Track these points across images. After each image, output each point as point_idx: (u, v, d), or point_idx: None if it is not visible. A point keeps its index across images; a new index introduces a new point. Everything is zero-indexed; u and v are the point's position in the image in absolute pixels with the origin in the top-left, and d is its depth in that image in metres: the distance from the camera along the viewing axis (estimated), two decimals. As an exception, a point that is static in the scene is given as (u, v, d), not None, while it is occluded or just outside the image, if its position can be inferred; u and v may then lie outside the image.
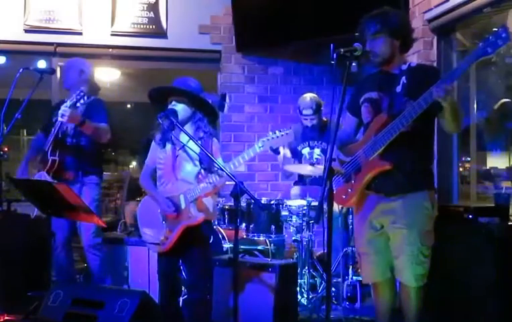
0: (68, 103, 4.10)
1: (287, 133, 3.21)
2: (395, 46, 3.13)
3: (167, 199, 3.39)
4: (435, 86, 2.83)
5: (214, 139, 3.48)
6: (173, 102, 3.42)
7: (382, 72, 3.21)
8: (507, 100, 5.14)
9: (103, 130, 4.29)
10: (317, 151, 5.01)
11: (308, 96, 5.00)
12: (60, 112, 4.05)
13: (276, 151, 3.23)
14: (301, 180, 5.12)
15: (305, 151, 5.04)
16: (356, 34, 3.17)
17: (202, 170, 3.38)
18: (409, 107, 2.96)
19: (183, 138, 3.42)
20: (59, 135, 4.23)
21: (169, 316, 3.49)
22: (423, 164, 3.18)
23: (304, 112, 4.93)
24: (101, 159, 4.57)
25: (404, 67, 3.16)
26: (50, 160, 4.18)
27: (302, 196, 4.81)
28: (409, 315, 3.16)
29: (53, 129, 4.23)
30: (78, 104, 4.13)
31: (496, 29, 2.66)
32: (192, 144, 3.37)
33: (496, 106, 5.11)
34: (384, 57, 3.12)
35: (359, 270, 3.77)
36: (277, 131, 3.22)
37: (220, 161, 3.26)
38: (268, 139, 3.21)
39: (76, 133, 4.33)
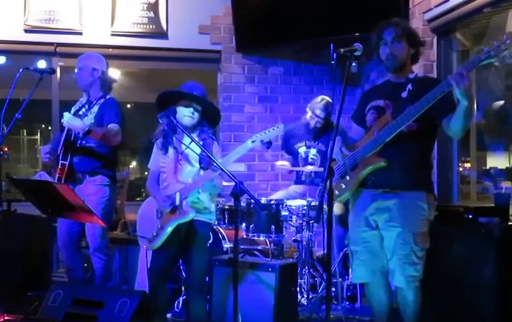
0: (72, 110, 4.10)
1: (278, 127, 3.28)
2: (409, 54, 3.22)
3: (164, 196, 3.42)
4: (452, 75, 2.85)
5: (215, 143, 3.52)
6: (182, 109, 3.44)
7: (389, 82, 3.27)
8: (502, 102, 5.15)
9: (111, 134, 4.10)
10: (313, 151, 5.04)
11: (325, 99, 5.00)
12: (64, 120, 3.98)
13: (267, 145, 3.29)
14: (299, 179, 5.11)
15: (302, 150, 5.07)
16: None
17: (201, 171, 3.40)
18: (417, 103, 2.97)
19: (186, 140, 3.45)
20: (71, 138, 4.15)
21: (157, 308, 3.47)
22: (421, 163, 3.18)
23: (316, 112, 4.95)
24: (112, 160, 4.30)
25: (411, 76, 3.23)
26: (61, 165, 4.08)
27: (301, 196, 4.82)
28: (407, 316, 3.17)
29: (63, 134, 4.16)
30: (81, 112, 4.12)
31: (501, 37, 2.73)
32: (193, 145, 3.39)
33: (494, 108, 5.11)
34: (400, 61, 3.18)
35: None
36: (268, 128, 3.30)
37: (220, 162, 3.27)
38: (260, 134, 3.28)
39: (86, 134, 4.16)
